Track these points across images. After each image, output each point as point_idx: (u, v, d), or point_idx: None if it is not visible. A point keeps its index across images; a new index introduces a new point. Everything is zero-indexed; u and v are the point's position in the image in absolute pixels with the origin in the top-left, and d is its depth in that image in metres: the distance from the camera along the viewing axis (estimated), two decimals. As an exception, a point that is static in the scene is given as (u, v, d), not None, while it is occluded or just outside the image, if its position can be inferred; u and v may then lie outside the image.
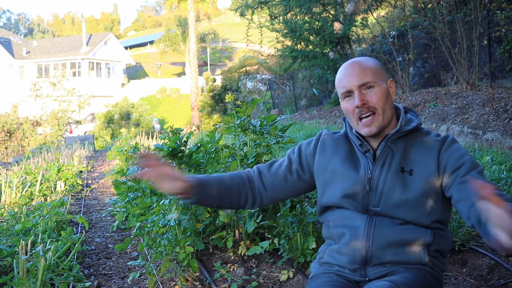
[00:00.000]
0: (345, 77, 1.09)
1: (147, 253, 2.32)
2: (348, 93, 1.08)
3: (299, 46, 8.69)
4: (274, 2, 9.08)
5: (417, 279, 1.00)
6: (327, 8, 8.56)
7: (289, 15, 8.81)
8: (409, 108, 1.17)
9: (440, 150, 1.06)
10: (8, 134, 13.72)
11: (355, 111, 1.06)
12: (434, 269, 1.06)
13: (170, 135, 2.42)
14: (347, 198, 1.09)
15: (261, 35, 9.08)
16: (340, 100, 1.13)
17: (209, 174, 1.20)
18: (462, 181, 1.01)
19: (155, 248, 2.00)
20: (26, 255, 1.93)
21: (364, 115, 1.06)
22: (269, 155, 2.34)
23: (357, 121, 1.07)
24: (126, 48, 33.02)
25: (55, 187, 4.33)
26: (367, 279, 1.05)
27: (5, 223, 2.80)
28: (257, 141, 2.34)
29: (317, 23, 8.31)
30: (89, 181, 5.75)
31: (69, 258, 2.15)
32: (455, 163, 1.03)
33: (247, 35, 9.48)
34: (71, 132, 16.89)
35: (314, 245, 1.84)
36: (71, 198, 4.28)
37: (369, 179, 1.07)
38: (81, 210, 3.90)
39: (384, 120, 1.06)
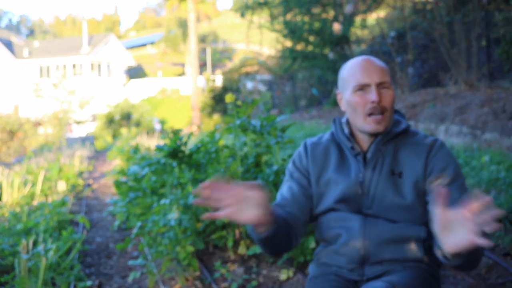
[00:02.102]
0: (363, 70, 1.06)
1: (147, 253, 2.34)
2: (362, 87, 1.06)
3: (298, 46, 8.72)
4: (274, 3, 9.11)
5: (414, 277, 1.01)
6: (326, 9, 8.58)
7: (289, 16, 8.83)
8: (395, 109, 1.16)
9: (428, 155, 1.07)
10: (10, 134, 13.75)
11: (367, 106, 1.05)
12: (431, 266, 1.07)
13: (171, 135, 2.44)
14: (340, 202, 1.10)
15: (261, 35, 9.11)
16: (345, 93, 1.09)
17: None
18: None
19: (155, 248, 2.02)
20: (28, 254, 1.94)
21: (376, 113, 1.05)
22: (269, 155, 2.36)
23: (365, 117, 1.05)
24: (127, 48, 33.06)
25: (56, 187, 4.35)
26: (365, 278, 1.06)
27: (7, 223, 2.82)
28: (257, 141, 2.35)
29: (316, 24, 8.34)
30: (90, 181, 5.77)
31: (70, 257, 2.17)
32: (439, 173, 1.04)
33: (248, 36, 9.52)
34: (70, 131, 16.91)
35: (313, 245, 1.86)
36: (72, 198, 4.30)
37: (361, 183, 1.08)
38: (82, 210, 3.92)
39: (389, 122, 1.08)
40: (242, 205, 0.90)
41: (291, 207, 1.12)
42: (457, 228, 0.82)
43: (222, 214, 0.89)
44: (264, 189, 0.91)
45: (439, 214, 0.84)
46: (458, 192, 1.02)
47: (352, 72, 1.08)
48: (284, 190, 1.17)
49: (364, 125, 1.07)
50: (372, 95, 1.04)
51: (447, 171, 1.04)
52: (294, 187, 1.15)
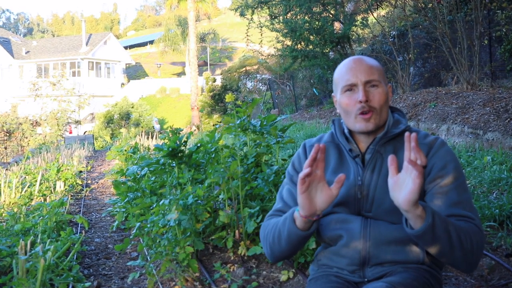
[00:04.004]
0: (350, 70, 1.07)
1: (146, 253, 2.32)
2: (350, 87, 1.06)
3: (299, 46, 8.69)
4: (274, 2, 9.07)
5: (415, 278, 1.00)
6: (327, 8, 8.54)
7: (289, 14, 8.80)
8: (395, 107, 1.16)
9: (427, 154, 1.05)
10: (8, 134, 13.71)
11: (356, 106, 1.05)
12: (432, 267, 1.05)
13: (170, 135, 2.42)
14: (339, 206, 1.09)
15: (261, 35, 9.07)
16: (337, 95, 1.11)
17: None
18: (439, 191, 1.02)
19: (155, 248, 2.00)
20: (26, 255, 1.92)
21: (364, 112, 1.05)
22: (269, 155, 2.34)
23: (356, 116, 1.06)
24: (125, 48, 33.03)
25: (55, 187, 4.32)
26: (366, 279, 1.05)
27: (5, 223, 2.80)
28: (257, 141, 2.34)
29: (317, 22, 8.30)
30: (89, 181, 5.75)
31: (68, 258, 2.15)
32: (438, 172, 1.03)
33: (247, 35, 9.48)
34: (70, 132, 16.87)
35: (314, 245, 1.84)
36: (71, 198, 4.28)
37: (360, 186, 1.07)
38: (80, 210, 3.90)
39: (381, 120, 1.06)
40: (317, 188, 0.97)
41: None
42: (407, 181, 0.88)
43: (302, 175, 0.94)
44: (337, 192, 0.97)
45: (390, 178, 0.91)
46: (456, 193, 1.00)
47: (341, 73, 1.09)
48: (284, 193, 1.16)
49: (355, 124, 1.07)
50: (359, 95, 1.04)
51: (446, 170, 1.02)
52: (294, 193, 1.14)
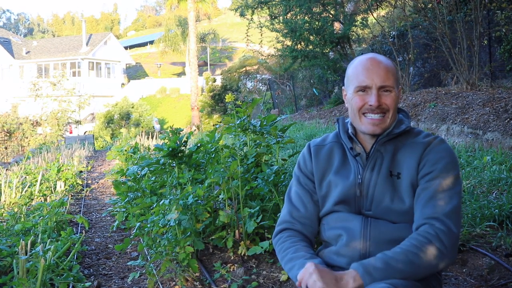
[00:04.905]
0: (366, 71, 1.06)
1: (147, 253, 2.32)
2: (364, 88, 1.06)
3: (299, 46, 8.67)
4: (274, 2, 9.06)
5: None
6: (327, 8, 8.53)
7: (289, 15, 8.78)
8: (401, 108, 1.15)
9: (424, 151, 1.05)
10: (8, 134, 13.72)
11: (364, 107, 1.05)
12: (433, 268, 1.06)
13: (170, 135, 2.43)
14: (340, 204, 1.09)
15: (261, 35, 9.06)
16: (348, 91, 1.10)
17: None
18: (425, 186, 1.02)
19: (155, 248, 2.00)
20: (26, 255, 1.93)
21: (373, 114, 1.05)
22: (269, 155, 2.34)
23: (361, 116, 1.06)
24: (126, 48, 33.01)
25: (55, 187, 4.32)
26: (366, 279, 1.05)
27: (5, 223, 2.80)
28: (257, 141, 2.34)
29: (317, 23, 8.28)
30: (89, 181, 5.75)
31: (69, 258, 2.16)
32: (429, 167, 1.03)
33: (247, 35, 9.46)
34: (71, 132, 16.87)
35: (314, 245, 1.84)
36: (71, 198, 4.28)
37: (360, 184, 1.07)
38: (81, 210, 3.90)
39: (389, 124, 1.07)
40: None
41: (306, 218, 1.15)
42: None
43: None
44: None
45: None
46: (438, 189, 0.99)
47: (356, 72, 1.08)
48: (293, 195, 1.17)
49: (361, 125, 1.07)
50: (372, 99, 1.04)
51: (436, 166, 1.02)
52: (303, 195, 1.15)
